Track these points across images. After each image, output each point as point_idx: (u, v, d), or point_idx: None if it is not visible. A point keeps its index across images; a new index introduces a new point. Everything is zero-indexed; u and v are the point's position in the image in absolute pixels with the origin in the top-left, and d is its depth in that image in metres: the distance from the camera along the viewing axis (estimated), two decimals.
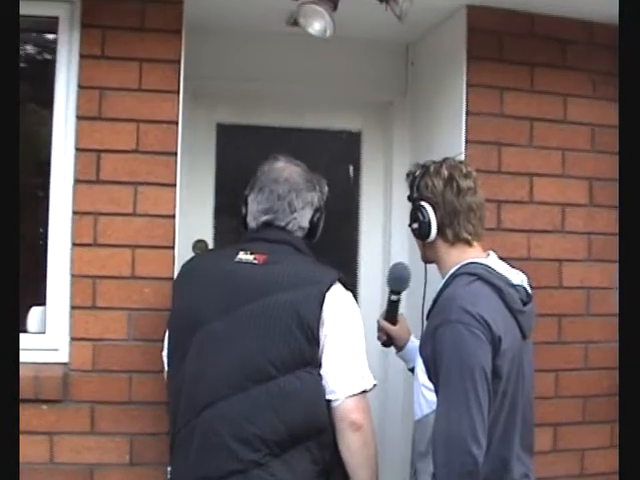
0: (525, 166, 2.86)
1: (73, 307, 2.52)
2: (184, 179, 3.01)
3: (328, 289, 2.04)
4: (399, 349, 2.48)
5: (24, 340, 2.43)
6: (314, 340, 2.00)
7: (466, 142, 2.79)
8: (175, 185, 2.57)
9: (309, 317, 2.00)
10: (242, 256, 2.13)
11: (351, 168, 3.49)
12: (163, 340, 2.23)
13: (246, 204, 2.26)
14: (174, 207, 2.57)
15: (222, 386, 2.01)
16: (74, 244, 2.53)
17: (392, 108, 3.41)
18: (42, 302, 2.58)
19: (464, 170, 2.12)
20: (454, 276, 2.05)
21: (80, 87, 2.55)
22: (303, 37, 2.57)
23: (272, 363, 1.99)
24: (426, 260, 2.23)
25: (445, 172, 2.10)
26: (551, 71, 2.89)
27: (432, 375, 1.94)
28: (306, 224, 2.23)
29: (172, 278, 2.52)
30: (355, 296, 2.24)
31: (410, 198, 2.18)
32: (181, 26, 2.59)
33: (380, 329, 2.48)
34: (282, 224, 2.20)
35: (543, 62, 2.88)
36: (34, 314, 2.59)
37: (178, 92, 2.58)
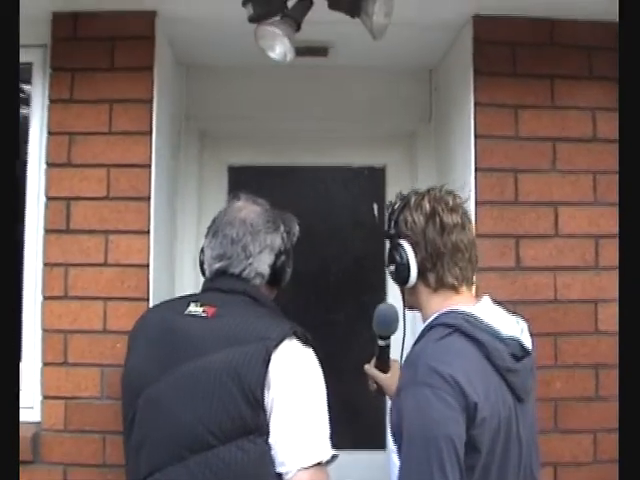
0: (547, 194, 2.46)
1: (45, 363, 2.40)
2: (194, 225, 2.89)
3: (277, 346, 1.77)
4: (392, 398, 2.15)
5: None
6: (257, 405, 1.74)
7: (475, 170, 2.45)
8: (149, 232, 2.40)
9: (250, 378, 1.74)
10: (192, 308, 1.91)
11: (375, 207, 3.17)
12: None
13: (203, 250, 2.06)
14: (147, 256, 2.40)
15: (160, 456, 1.79)
16: (45, 297, 2.41)
17: (417, 138, 3.11)
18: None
19: (450, 203, 1.80)
20: (429, 327, 1.74)
21: (50, 133, 2.44)
22: (316, 68, 2.37)
23: (210, 431, 1.75)
24: (408, 306, 1.90)
25: (427, 206, 1.78)
26: (576, 83, 2.49)
27: (397, 442, 1.65)
28: (265, 269, 1.98)
29: None
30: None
31: (386, 235, 1.86)
32: (152, 62, 2.44)
33: (370, 378, 2.16)
34: (236, 271, 1.97)
35: (565, 74, 2.49)
36: None
37: (150, 133, 2.42)
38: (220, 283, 1.98)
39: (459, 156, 2.61)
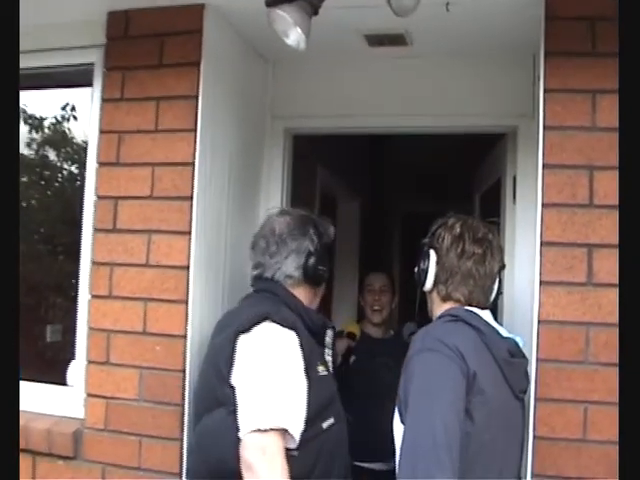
0: None
1: (89, 361, 2.42)
2: None
3: (247, 329, 2.01)
4: None
5: (59, 392, 2.54)
6: (224, 381, 1.98)
7: (543, 167, 2.10)
8: (190, 232, 2.33)
9: (220, 358, 2.01)
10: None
11: None
12: None
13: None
14: (188, 257, 2.33)
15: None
16: (93, 295, 2.43)
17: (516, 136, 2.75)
18: None
19: (479, 234, 2.00)
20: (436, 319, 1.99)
21: (101, 132, 2.46)
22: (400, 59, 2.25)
23: (201, 403, 2.11)
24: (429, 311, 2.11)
25: (457, 230, 2.01)
26: None
27: (403, 409, 1.77)
28: (293, 271, 2.20)
29: (184, 336, 2.31)
30: None
31: (424, 242, 2.08)
32: (199, 57, 2.36)
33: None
34: (269, 275, 2.23)
35: None
36: (72, 367, 2.54)
37: (195, 130, 2.34)
38: (256, 285, 2.27)
39: (532, 153, 2.26)
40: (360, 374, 3.18)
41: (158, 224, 2.38)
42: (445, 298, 1.98)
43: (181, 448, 2.29)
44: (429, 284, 2.00)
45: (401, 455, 1.68)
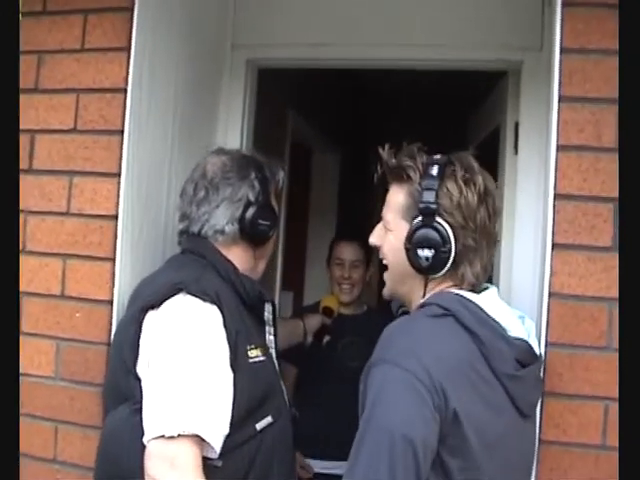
0: None
1: None
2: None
3: (156, 305, 1.61)
4: None
5: None
6: (128, 371, 1.60)
7: (559, 100, 1.67)
8: (119, 174, 1.89)
9: (123, 343, 1.64)
10: None
11: None
12: None
13: None
14: (116, 204, 1.89)
15: None
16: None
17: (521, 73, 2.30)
18: None
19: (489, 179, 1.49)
20: (420, 307, 1.45)
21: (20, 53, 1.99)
22: None
23: (105, 395, 1.75)
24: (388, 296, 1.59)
25: (480, 181, 1.45)
26: None
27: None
28: (224, 225, 1.77)
29: (110, 301, 1.89)
30: None
31: (424, 207, 1.43)
32: None
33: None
34: (195, 230, 1.80)
35: None
36: None
37: (129, 49, 1.89)
38: (182, 244, 1.85)
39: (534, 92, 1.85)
40: (331, 357, 2.76)
41: (82, 164, 1.95)
42: (443, 280, 1.46)
43: None
44: (444, 271, 1.43)
45: None
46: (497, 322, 1.39)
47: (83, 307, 1.92)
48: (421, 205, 1.42)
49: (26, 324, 1.96)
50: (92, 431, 1.88)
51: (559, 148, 1.68)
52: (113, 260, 1.90)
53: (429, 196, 1.42)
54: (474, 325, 1.36)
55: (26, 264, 1.97)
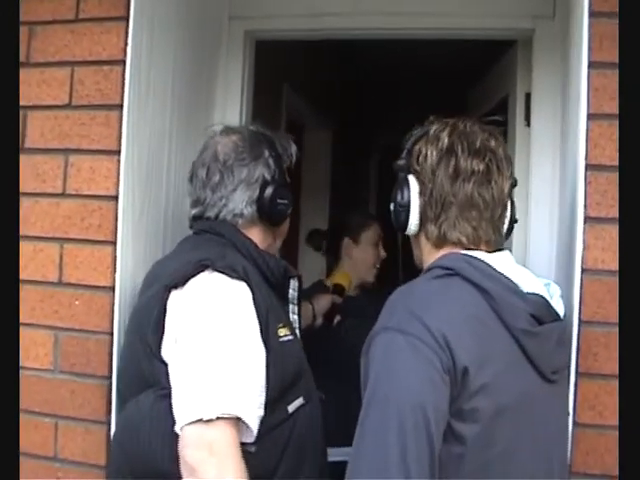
0: None
1: None
2: None
3: (180, 283, 1.52)
4: None
5: None
6: (152, 355, 1.51)
7: (589, 66, 1.58)
8: (119, 152, 1.78)
9: (145, 325, 1.54)
10: None
11: None
12: None
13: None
14: (116, 184, 1.78)
15: None
16: None
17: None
18: None
19: (477, 143, 1.41)
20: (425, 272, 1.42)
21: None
22: None
23: (123, 382, 1.66)
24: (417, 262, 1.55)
25: (446, 140, 1.43)
26: None
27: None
28: (244, 208, 1.70)
29: (112, 287, 1.78)
30: None
31: (396, 165, 1.49)
32: None
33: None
34: (212, 215, 1.72)
35: None
36: None
37: (127, 18, 1.77)
38: (195, 227, 1.76)
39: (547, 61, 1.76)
40: (342, 340, 2.60)
41: (78, 141, 1.83)
42: (438, 243, 1.42)
43: (108, 434, 1.77)
44: (413, 225, 1.44)
45: None
46: (508, 278, 1.33)
47: (83, 294, 1.81)
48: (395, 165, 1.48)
49: (21, 314, 1.82)
50: (95, 426, 1.79)
51: (590, 117, 1.59)
52: (114, 243, 1.79)
53: (402, 155, 1.48)
54: (482, 280, 1.30)
55: (20, 250, 1.85)
